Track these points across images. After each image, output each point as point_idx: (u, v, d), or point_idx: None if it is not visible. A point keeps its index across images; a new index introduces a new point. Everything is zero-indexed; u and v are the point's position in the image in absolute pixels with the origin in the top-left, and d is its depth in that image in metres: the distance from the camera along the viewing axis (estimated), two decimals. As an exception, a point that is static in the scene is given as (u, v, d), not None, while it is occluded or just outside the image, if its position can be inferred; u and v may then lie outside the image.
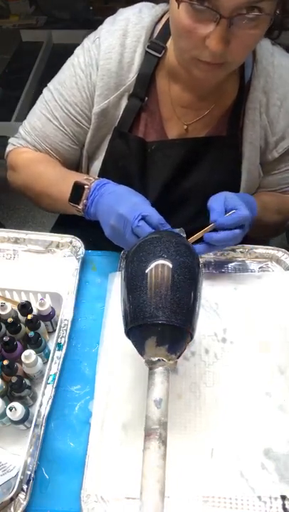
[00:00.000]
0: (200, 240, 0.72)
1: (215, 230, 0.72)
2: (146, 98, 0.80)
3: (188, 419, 0.63)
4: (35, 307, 0.70)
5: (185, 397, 0.65)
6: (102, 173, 0.87)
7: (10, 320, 0.66)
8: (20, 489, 0.55)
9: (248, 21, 0.60)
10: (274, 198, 0.91)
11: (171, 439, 0.51)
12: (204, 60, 0.66)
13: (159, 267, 0.54)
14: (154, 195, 0.85)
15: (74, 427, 0.63)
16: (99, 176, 0.84)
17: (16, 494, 0.55)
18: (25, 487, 0.56)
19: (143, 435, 0.49)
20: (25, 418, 0.59)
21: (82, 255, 0.79)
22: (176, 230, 0.67)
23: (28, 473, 0.57)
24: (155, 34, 0.79)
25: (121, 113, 0.81)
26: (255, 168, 0.87)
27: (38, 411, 0.61)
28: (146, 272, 0.54)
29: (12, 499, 0.55)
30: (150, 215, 0.66)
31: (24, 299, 0.74)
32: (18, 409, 0.58)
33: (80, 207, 0.75)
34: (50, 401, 0.62)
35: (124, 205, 0.68)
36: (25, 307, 0.69)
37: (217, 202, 0.72)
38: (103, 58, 0.77)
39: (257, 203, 0.80)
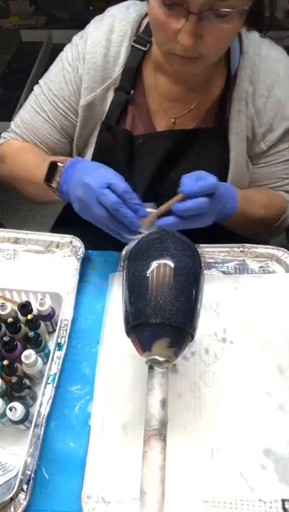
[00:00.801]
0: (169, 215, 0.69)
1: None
2: (133, 91, 0.81)
3: (188, 419, 0.63)
4: (35, 307, 0.70)
5: (185, 397, 0.64)
6: None
7: (10, 320, 0.66)
8: (20, 489, 0.55)
9: (218, 16, 0.61)
10: (262, 192, 0.90)
11: (171, 439, 0.51)
12: (179, 54, 0.66)
13: (167, 266, 0.54)
14: (142, 188, 0.85)
15: (74, 427, 0.63)
16: None
17: (16, 494, 0.55)
18: (25, 487, 0.56)
19: (143, 435, 0.49)
20: (25, 418, 0.59)
21: (82, 255, 0.79)
22: (148, 205, 0.65)
23: (28, 473, 0.57)
24: (141, 29, 0.80)
25: (108, 106, 0.82)
26: (243, 160, 0.86)
27: (38, 411, 0.61)
28: (152, 272, 0.54)
29: (12, 499, 0.55)
30: (115, 183, 0.64)
31: (24, 299, 0.74)
32: (18, 409, 0.58)
33: (54, 185, 0.74)
34: (50, 401, 0.62)
35: (90, 175, 0.67)
36: (25, 307, 0.69)
37: (189, 177, 0.69)
38: (89, 52, 0.80)
39: (239, 193, 0.79)
